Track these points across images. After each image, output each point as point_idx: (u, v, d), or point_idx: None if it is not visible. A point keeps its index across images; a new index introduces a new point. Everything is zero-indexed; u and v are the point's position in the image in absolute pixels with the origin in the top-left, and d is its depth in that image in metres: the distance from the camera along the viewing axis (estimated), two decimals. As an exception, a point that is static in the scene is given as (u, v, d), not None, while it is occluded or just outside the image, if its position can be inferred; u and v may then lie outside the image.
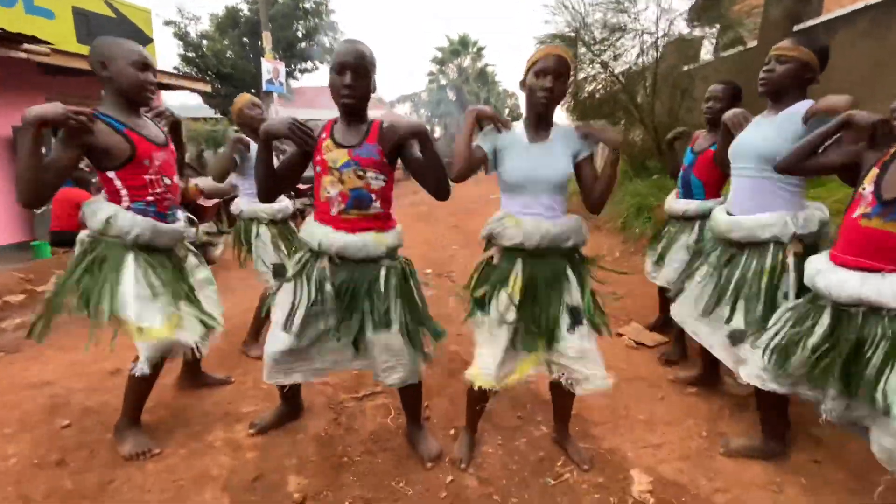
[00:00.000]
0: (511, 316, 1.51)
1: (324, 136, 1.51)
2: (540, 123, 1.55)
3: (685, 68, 6.27)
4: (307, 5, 13.72)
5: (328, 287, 1.53)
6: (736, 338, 1.67)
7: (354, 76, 1.41)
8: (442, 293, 3.65)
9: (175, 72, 10.08)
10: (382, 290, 1.53)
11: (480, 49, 30.56)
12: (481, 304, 1.58)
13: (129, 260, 1.51)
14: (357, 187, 1.48)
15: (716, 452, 1.73)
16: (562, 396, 1.69)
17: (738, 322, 1.65)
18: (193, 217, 4.57)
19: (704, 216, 2.24)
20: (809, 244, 1.62)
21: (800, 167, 1.50)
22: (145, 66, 1.52)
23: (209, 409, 1.98)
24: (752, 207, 1.68)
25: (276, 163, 1.57)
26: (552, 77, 1.43)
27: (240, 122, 2.52)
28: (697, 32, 6.74)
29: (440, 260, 4.94)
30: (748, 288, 1.65)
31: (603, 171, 1.49)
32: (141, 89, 1.52)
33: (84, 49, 5.11)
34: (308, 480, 1.57)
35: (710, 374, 2.16)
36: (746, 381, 1.57)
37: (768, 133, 1.65)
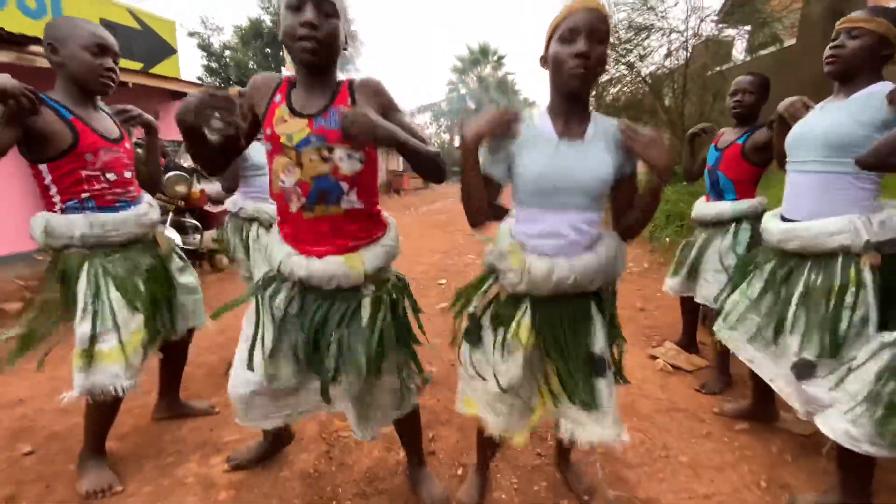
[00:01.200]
0: (515, 368, 1.17)
1: (277, 99, 1.13)
2: (572, 111, 1.13)
3: (717, 69, 5.94)
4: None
5: (294, 321, 1.20)
6: (803, 372, 1.36)
7: (317, 12, 1.04)
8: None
9: (199, 82, 10.31)
10: (363, 323, 1.17)
11: (501, 58, 30.60)
12: (474, 336, 1.25)
13: (83, 272, 1.33)
14: (322, 174, 1.11)
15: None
16: (567, 445, 1.32)
17: (804, 352, 1.36)
18: (199, 224, 4.46)
19: (739, 219, 1.99)
20: (891, 254, 1.32)
21: (891, 163, 1.21)
22: (102, 49, 1.34)
23: (186, 435, 1.76)
24: (815, 210, 1.38)
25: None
26: (585, 38, 1.01)
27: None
28: (729, 32, 6.42)
29: (455, 269, 4.72)
30: (814, 310, 1.35)
31: (642, 197, 1.14)
32: (95, 75, 1.33)
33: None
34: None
35: (765, 407, 1.83)
36: (830, 436, 1.26)
37: (840, 118, 1.35)
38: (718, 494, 1.49)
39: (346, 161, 1.11)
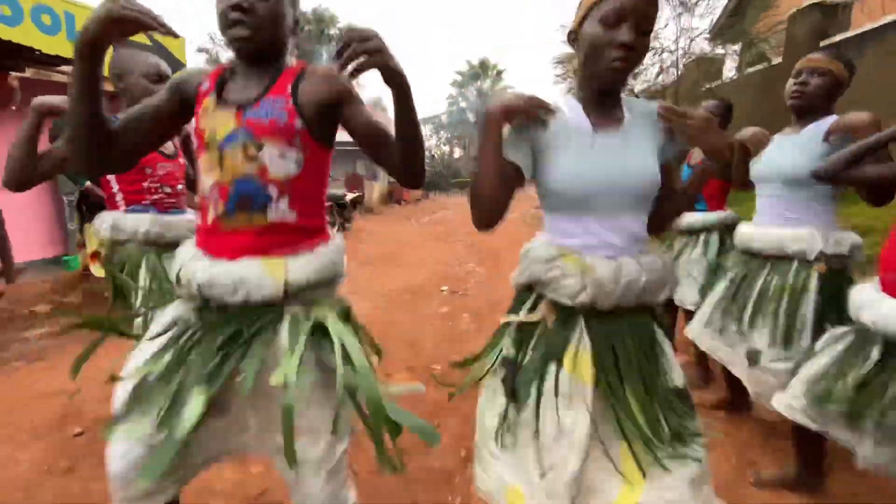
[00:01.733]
0: (582, 426, 0.86)
1: (205, 86, 0.93)
2: (606, 101, 0.95)
3: (707, 86, 6.22)
4: (331, 31, 14.38)
5: (192, 355, 0.89)
6: (752, 358, 1.58)
7: None
8: (455, 311, 3.61)
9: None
10: (279, 357, 0.87)
11: (500, 72, 31.02)
12: (514, 392, 0.94)
13: (143, 264, 1.55)
14: (244, 175, 0.89)
15: (746, 482, 1.62)
16: None
17: (755, 342, 1.58)
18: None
19: (710, 229, 2.23)
20: (837, 268, 1.53)
21: (840, 176, 1.42)
22: (160, 76, 1.57)
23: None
24: (781, 223, 1.62)
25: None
26: (632, 26, 0.83)
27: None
28: (720, 50, 6.71)
29: (456, 277, 4.93)
30: (767, 306, 1.56)
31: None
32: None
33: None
34: None
35: (738, 398, 2.03)
36: (777, 408, 1.47)
37: (794, 155, 1.58)
38: None
39: (277, 161, 0.89)
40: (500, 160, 0.90)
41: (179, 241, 1.65)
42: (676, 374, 0.95)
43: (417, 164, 0.91)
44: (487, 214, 0.92)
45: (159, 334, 0.94)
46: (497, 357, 1.00)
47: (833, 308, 1.48)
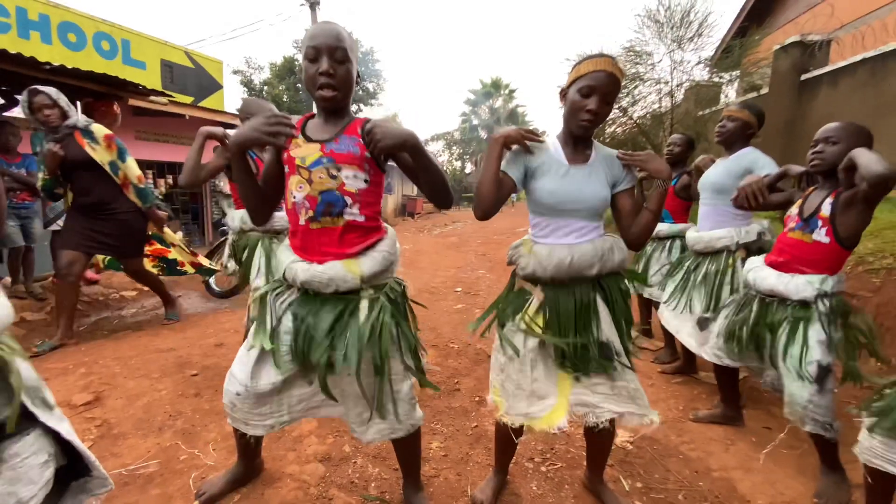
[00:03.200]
0: (530, 345, 1.33)
1: (295, 132, 1.23)
2: (579, 142, 1.37)
3: (700, 113, 6.83)
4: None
5: (294, 323, 1.26)
6: (701, 324, 2.18)
7: (331, 60, 1.18)
8: (469, 306, 4.25)
9: (237, 114, 11.55)
10: (360, 324, 1.23)
11: (512, 91, 31.72)
12: (508, 339, 1.38)
13: (259, 246, 2.21)
14: (328, 189, 1.21)
15: (687, 420, 2.19)
16: (595, 440, 1.51)
17: (701, 311, 2.18)
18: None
19: (674, 237, 2.82)
20: (754, 250, 2.14)
21: (754, 207, 1.91)
22: None
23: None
24: (712, 226, 2.24)
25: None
26: (598, 99, 1.24)
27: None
28: (718, 79, 7.33)
29: (469, 280, 5.52)
30: (708, 285, 2.17)
31: (651, 202, 1.35)
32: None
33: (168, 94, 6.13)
34: None
35: (689, 366, 2.65)
36: (708, 359, 2.06)
37: (721, 172, 2.22)
38: None
39: (351, 179, 1.22)
40: (497, 171, 1.30)
41: (279, 230, 2.29)
42: (604, 331, 1.31)
43: (445, 194, 1.28)
44: (484, 207, 1.30)
45: (271, 316, 1.29)
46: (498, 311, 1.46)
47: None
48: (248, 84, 14.19)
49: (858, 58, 5.21)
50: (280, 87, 14.27)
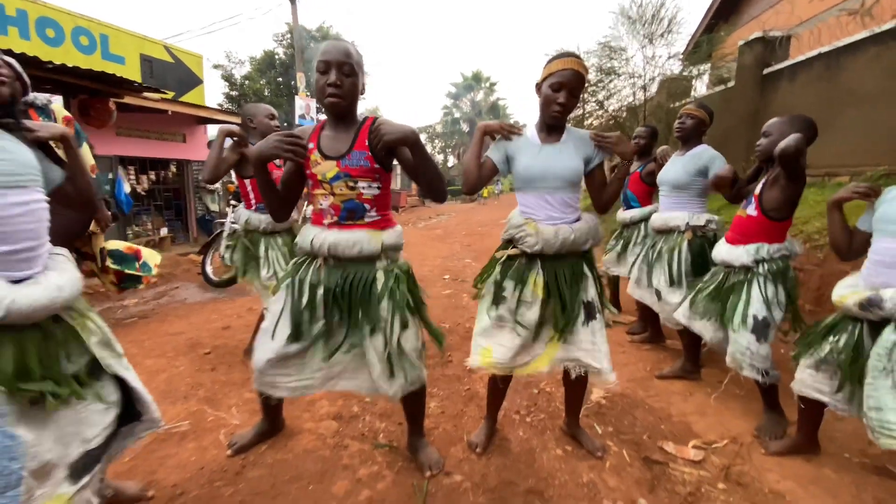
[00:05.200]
0: (533, 314, 1.56)
1: (311, 146, 1.44)
2: (552, 129, 1.61)
3: (672, 105, 7.22)
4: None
5: (320, 291, 1.45)
6: (658, 295, 2.50)
7: (340, 74, 1.35)
8: (456, 292, 4.54)
9: (219, 108, 11.51)
10: (378, 288, 1.43)
11: (493, 84, 31.93)
12: (498, 298, 1.62)
13: (262, 244, 2.40)
14: (349, 198, 1.43)
15: (653, 378, 2.51)
16: (573, 387, 1.81)
17: (659, 285, 2.50)
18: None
19: (646, 219, 3.08)
20: (700, 235, 2.43)
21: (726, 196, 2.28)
22: (272, 116, 2.45)
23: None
24: (668, 210, 2.55)
25: None
26: (566, 93, 1.49)
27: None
28: (689, 73, 7.74)
29: (455, 269, 5.79)
30: (663, 262, 2.48)
31: (613, 179, 1.61)
32: (271, 131, 2.41)
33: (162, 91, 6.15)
34: None
35: (655, 334, 2.99)
36: (676, 319, 2.34)
37: (678, 169, 2.50)
38: (620, 374, 2.55)
39: (367, 189, 1.43)
40: (479, 154, 1.60)
41: (279, 231, 2.45)
42: (589, 293, 1.60)
43: (440, 188, 1.46)
44: (469, 183, 1.60)
45: (287, 291, 1.48)
46: (489, 279, 1.67)
47: (700, 260, 2.39)
48: (228, 78, 14.12)
49: (815, 53, 5.62)
50: (262, 82, 14.22)
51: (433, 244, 8.14)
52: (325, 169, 1.41)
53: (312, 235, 1.46)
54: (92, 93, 4.10)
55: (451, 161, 36.07)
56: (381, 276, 1.45)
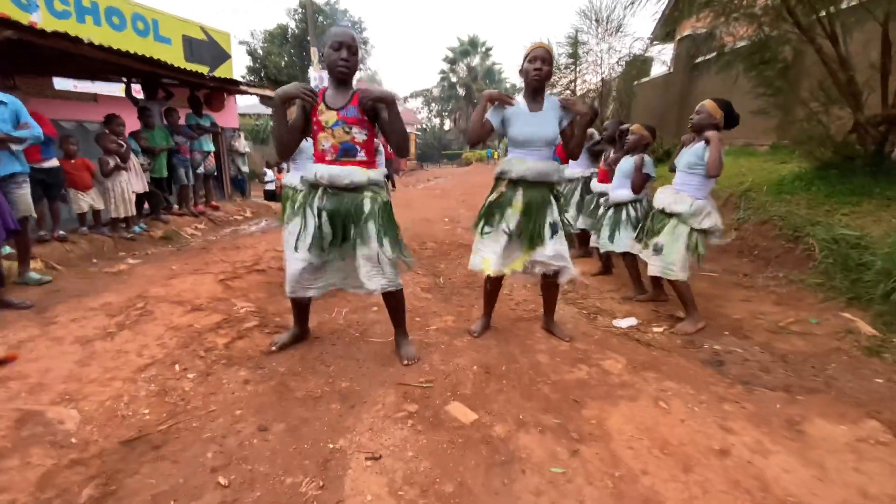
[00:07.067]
0: (513, 225, 2.04)
1: (318, 101, 1.80)
2: (535, 95, 2.04)
3: (635, 83, 8.31)
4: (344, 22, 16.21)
5: (325, 215, 1.81)
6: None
7: (348, 52, 1.76)
8: (454, 228, 5.76)
9: (243, 80, 12.51)
10: (365, 211, 1.82)
11: (488, 49, 31.49)
12: (490, 221, 2.11)
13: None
14: (345, 140, 1.79)
15: (616, 300, 3.21)
16: (548, 290, 2.26)
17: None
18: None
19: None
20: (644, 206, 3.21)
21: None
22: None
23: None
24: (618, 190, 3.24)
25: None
26: (541, 61, 1.96)
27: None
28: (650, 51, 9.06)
29: (453, 216, 6.84)
30: (622, 224, 3.26)
31: (578, 130, 2.06)
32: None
33: (189, 66, 6.91)
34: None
35: (607, 269, 3.82)
36: (622, 249, 3.13)
37: (625, 169, 3.23)
38: (591, 297, 3.45)
39: (358, 134, 1.80)
40: (483, 116, 2.02)
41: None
42: (554, 216, 2.07)
43: (405, 145, 1.88)
44: (472, 138, 2.05)
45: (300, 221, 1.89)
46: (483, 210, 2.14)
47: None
48: (252, 53, 15.27)
49: (729, 48, 7.07)
50: (283, 59, 15.33)
51: (434, 201, 8.81)
52: (328, 117, 1.81)
53: (316, 169, 1.85)
54: (212, 90, 5.69)
55: (448, 125, 35.60)
56: (367, 203, 1.86)
